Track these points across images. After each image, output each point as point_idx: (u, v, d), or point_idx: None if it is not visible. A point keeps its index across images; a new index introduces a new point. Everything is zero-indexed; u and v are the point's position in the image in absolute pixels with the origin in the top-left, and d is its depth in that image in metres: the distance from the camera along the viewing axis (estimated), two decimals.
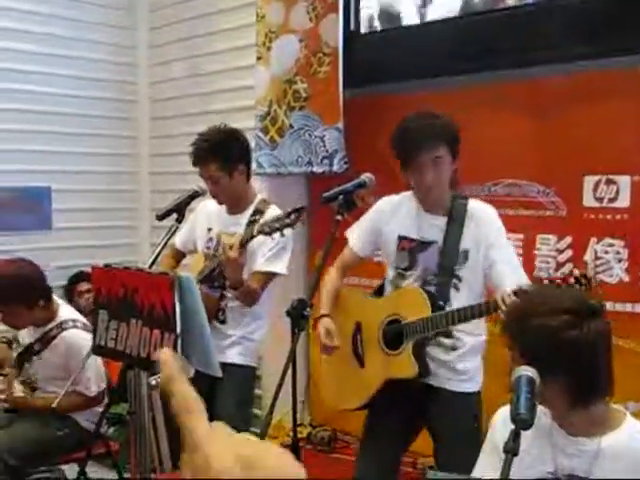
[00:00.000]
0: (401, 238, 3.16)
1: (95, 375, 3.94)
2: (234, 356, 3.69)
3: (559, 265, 4.38)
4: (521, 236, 4.57)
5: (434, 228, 3.09)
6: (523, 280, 2.96)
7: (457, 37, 4.72)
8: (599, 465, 2.00)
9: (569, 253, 4.35)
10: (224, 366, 3.56)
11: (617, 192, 4.17)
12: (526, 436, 1.81)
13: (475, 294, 3.04)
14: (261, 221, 3.46)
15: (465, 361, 3.08)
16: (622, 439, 2.02)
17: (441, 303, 2.99)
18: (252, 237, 3.37)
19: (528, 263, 4.52)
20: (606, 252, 4.19)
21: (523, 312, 2.04)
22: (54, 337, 4.00)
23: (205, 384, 3.53)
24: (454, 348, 3.06)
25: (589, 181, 4.26)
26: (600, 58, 4.13)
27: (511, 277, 2.93)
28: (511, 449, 1.73)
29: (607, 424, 2.04)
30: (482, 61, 4.55)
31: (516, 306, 2.17)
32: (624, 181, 4.14)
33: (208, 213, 3.84)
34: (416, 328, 2.96)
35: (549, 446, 2.03)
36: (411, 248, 3.13)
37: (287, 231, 3.25)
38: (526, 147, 4.53)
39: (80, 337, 3.95)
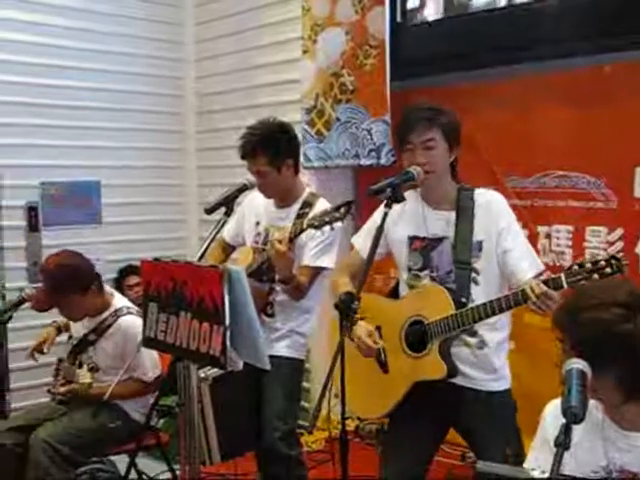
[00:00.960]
0: (412, 238, 3.11)
1: (150, 361, 4.00)
2: (282, 349, 3.69)
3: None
4: (571, 228, 4.53)
5: (443, 223, 3.04)
6: (539, 267, 2.94)
7: (502, 28, 4.67)
8: None
9: (620, 245, 4.30)
10: (272, 359, 3.57)
11: None
12: (577, 430, 1.78)
13: (494, 285, 2.98)
14: (310, 215, 3.45)
15: (494, 359, 3.03)
16: None
17: (463, 300, 2.93)
18: (301, 231, 3.37)
19: (578, 255, 4.47)
20: None
21: (575, 305, 2.01)
22: (109, 326, 4.08)
23: (254, 377, 3.55)
24: (480, 347, 3.00)
25: None
26: None
27: (527, 264, 2.90)
28: (562, 443, 1.71)
29: None
30: (528, 51, 4.51)
31: (567, 299, 2.14)
32: None
33: (256, 206, 3.84)
34: (441, 327, 2.90)
35: (600, 440, 2.01)
36: (423, 247, 3.07)
37: (336, 225, 3.24)
38: (576, 138, 4.48)
39: (136, 323, 4.00)
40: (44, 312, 4.22)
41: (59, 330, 4.28)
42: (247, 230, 3.86)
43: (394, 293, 3.27)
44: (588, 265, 2.52)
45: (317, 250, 3.54)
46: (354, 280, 3.16)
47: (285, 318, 3.70)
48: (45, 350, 4.15)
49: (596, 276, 2.47)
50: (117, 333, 4.06)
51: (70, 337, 4.25)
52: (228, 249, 3.99)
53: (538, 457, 2.06)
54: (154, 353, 4.02)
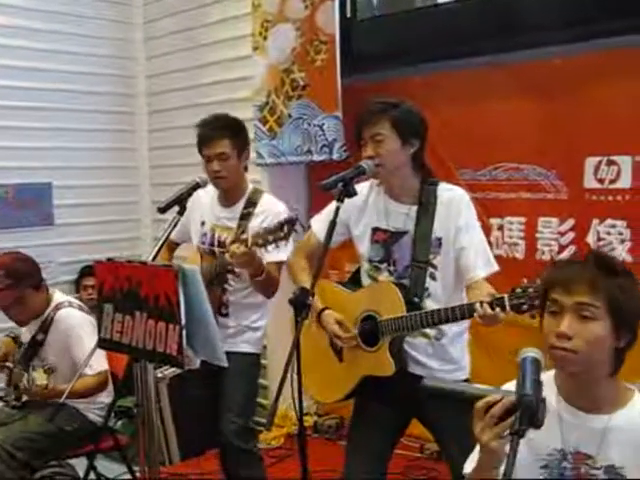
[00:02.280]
0: (374, 230, 3.13)
1: (95, 354, 3.91)
2: (238, 344, 3.71)
3: (561, 248, 4.38)
4: (523, 219, 4.58)
5: (404, 217, 3.05)
6: (493, 267, 2.96)
7: (453, 21, 4.71)
8: (607, 443, 2.00)
9: (571, 235, 4.35)
10: (228, 355, 3.58)
11: (618, 173, 4.17)
12: None
13: (451, 281, 3.00)
14: (253, 230, 3.41)
15: (452, 350, 3.06)
16: (631, 417, 2.01)
17: (416, 300, 2.95)
18: (252, 246, 3.33)
19: (530, 246, 4.53)
20: (609, 233, 4.19)
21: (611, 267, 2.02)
22: (52, 320, 4.05)
23: (212, 374, 3.54)
24: (438, 338, 3.02)
25: (590, 162, 4.26)
26: (600, 38, 4.11)
27: (481, 263, 2.93)
28: (517, 431, 1.73)
29: (617, 401, 2.03)
30: (480, 44, 4.54)
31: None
32: (625, 162, 4.14)
33: (201, 206, 3.83)
34: (391, 326, 2.94)
35: (557, 423, 2.03)
36: (385, 240, 3.09)
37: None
38: (527, 130, 4.52)
39: (73, 314, 4.05)
40: None
41: (15, 341, 4.23)
42: (193, 230, 3.86)
43: (355, 279, 3.28)
44: (530, 290, 2.56)
45: (275, 245, 3.54)
46: (310, 260, 3.22)
47: (239, 316, 3.73)
48: (9, 364, 4.09)
49: (537, 302, 2.48)
50: (57, 326, 4.04)
51: (20, 345, 4.19)
52: (174, 247, 4.02)
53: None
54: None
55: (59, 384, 3.85)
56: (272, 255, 3.49)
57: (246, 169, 3.82)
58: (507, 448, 1.74)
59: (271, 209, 3.65)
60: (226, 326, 3.69)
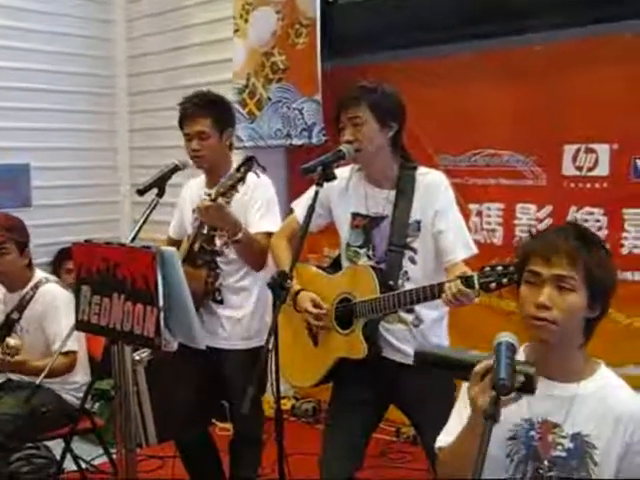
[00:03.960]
0: (354, 215, 3.13)
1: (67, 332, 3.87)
2: (235, 342, 3.65)
3: (531, 233, 4.39)
4: (501, 205, 4.61)
5: (384, 202, 3.06)
6: (471, 250, 2.97)
7: (435, 6, 4.70)
8: (574, 411, 2.03)
9: (549, 222, 4.38)
10: (229, 353, 3.59)
11: (596, 161, 4.20)
12: None
13: (431, 264, 3.01)
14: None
15: (431, 336, 3.06)
16: (599, 386, 2.05)
17: (391, 283, 2.96)
18: (214, 199, 3.30)
19: (508, 232, 4.56)
20: (586, 220, 4.22)
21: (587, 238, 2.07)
22: (31, 298, 4.04)
23: (205, 361, 3.55)
24: (416, 324, 3.03)
25: (569, 150, 4.30)
26: (581, 26, 4.13)
27: (459, 246, 2.94)
28: (492, 415, 1.75)
29: (584, 371, 2.07)
30: (459, 30, 4.55)
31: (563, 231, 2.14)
32: (603, 149, 4.17)
33: (191, 194, 3.81)
34: (365, 309, 2.95)
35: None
36: (364, 225, 3.10)
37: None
38: (506, 117, 4.55)
39: (55, 289, 4.05)
40: None
41: None
42: (187, 220, 3.82)
43: (336, 264, 3.29)
44: (499, 268, 2.57)
45: (260, 214, 3.53)
46: (292, 244, 3.22)
47: (233, 304, 3.65)
48: None
49: (505, 280, 2.52)
50: (35, 303, 4.03)
51: None
52: (175, 245, 3.94)
53: (462, 421, 2.08)
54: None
55: (31, 360, 3.85)
56: (257, 225, 3.50)
57: (231, 148, 3.76)
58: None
59: (254, 184, 3.62)
60: (222, 316, 3.65)
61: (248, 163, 3.30)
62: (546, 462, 2.05)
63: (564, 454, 2.03)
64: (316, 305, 3.08)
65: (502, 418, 1.78)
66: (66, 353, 3.91)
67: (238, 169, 3.30)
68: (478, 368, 1.90)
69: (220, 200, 3.29)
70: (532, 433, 2.07)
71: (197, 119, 3.59)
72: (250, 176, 3.47)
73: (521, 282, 2.07)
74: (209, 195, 3.32)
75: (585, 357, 2.10)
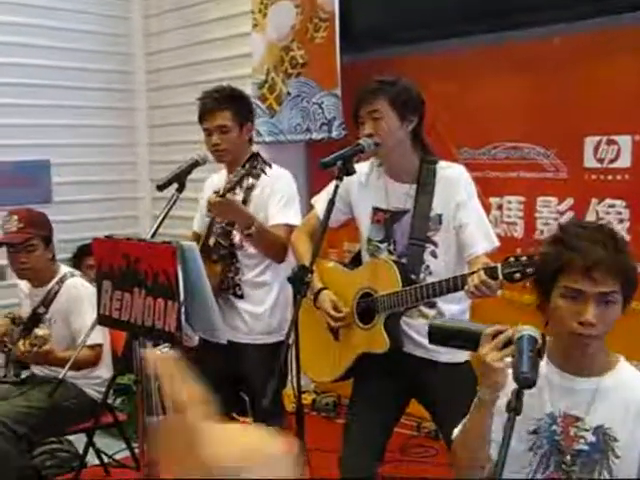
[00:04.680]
0: (375, 210, 3.12)
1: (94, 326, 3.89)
2: (259, 337, 3.64)
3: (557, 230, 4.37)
4: (522, 199, 4.58)
5: (404, 197, 3.04)
6: (493, 243, 2.96)
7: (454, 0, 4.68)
8: (596, 404, 2.04)
9: (570, 215, 4.35)
10: (249, 347, 3.59)
11: (618, 152, 4.16)
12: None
13: (453, 258, 3.00)
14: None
15: None
16: (619, 379, 2.06)
17: (413, 277, 2.95)
18: (224, 194, 3.32)
19: (529, 226, 4.53)
20: (607, 213, 4.19)
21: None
22: (56, 293, 4.07)
23: (227, 357, 3.55)
24: (436, 319, 3.04)
25: (590, 142, 4.26)
26: (600, 16, 4.10)
27: (481, 239, 2.93)
28: (515, 408, 1.75)
29: (605, 366, 2.08)
30: (482, 22, 4.51)
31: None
32: (625, 141, 4.13)
33: (212, 188, 3.81)
34: (387, 302, 2.94)
35: (546, 387, 2.05)
36: (385, 220, 3.09)
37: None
38: (526, 109, 4.52)
39: (79, 283, 4.08)
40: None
41: (14, 321, 4.22)
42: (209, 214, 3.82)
43: (357, 259, 3.29)
44: (524, 258, 2.55)
45: (280, 207, 3.53)
46: (312, 239, 3.20)
47: (254, 298, 3.65)
48: (9, 345, 4.09)
49: (530, 270, 2.50)
50: (60, 298, 4.06)
51: (19, 324, 4.18)
52: (198, 238, 3.97)
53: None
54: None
55: (58, 351, 3.88)
56: (277, 217, 3.51)
57: (251, 142, 3.77)
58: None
59: (276, 177, 3.60)
60: (242, 311, 3.65)
61: (252, 159, 3.33)
62: (569, 456, 2.05)
63: (586, 447, 2.04)
64: (335, 308, 3.08)
65: (524, 413, 1.78)
66: (92, 346, 3.94)
67: (243, 165, 3.34)
68: (489, 330, 1.96)
69: (229, 195, 3.29)
70: (554, 427, 2.07)
71: (217, 113, 3.60)
72: (272, 169, 3.48)
73: (551, 289, 2.04)
74: (217, 192, 3.32)
75: (606, 352, 2.10)
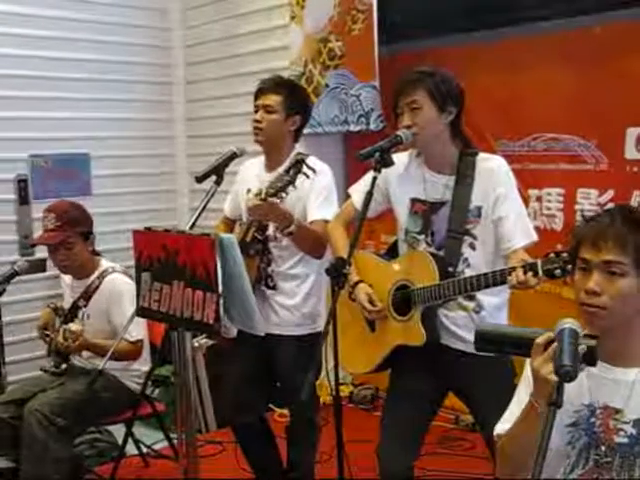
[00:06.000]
0: (413, 201, 3.11)
1: (135, 321, 3.91)
2: (290, 328, 3.66)
3: (584, 217, 4.32)
4: (562, 190, 4.54)
5: (443, 188, 3.03)
6: (532, 238, 2.94)
7: None
8: (634, 397, 2.00)
9: (610, 207, 4.30)
10: (281, 338, 3.60)
11: None
12: None
13: (491, 250, 2.98)
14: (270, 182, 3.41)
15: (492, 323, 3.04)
16: None
17: (450, 269, 2.94)
18: (264, 199, 3.29)
19: (569, 218, 4.49)
20: None
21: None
22: (97, 288, 4.11)
23: (263, 349, 3.57)
24: (477, 311, 2.99)
25: (631, 133, 4.20)
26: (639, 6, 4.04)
27: (519, 233, 2.91)
28: (555, 401, 1.73)
29: None
30: (522, 12, 4.47)
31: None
32: None
33: (248, 175, 3.82)
34: (424, 295, 2.93)
35: (585, 378, 2.03)
36: (424, 211, 3.08)
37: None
38: (566, 100, 4.47)
39: (120, 279, 4.11)
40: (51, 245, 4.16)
41: (56, 312, 4.27)
42: (241, 200, 3.84)
43: (393, 250, 3.28)
44: (564, 255, 2.53)
45: (319, 202, 3.53)
46: (348, 230, 3.24)
47: (287, 290, 3.66)
48: (51, 335, 4.13)
49: (570, 267, 2.48)
50: (101, 292, 4.10)
51: (60, 315, 4.23)
52: (230, 224, 3.98)
53: (514, 411, 2.08)
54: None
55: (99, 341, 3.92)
56: (316, 212, 3.51)
57: (297, 139, 3.77)
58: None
59: (317, 171, 3.59)
60: (274, 302, 3.66)
61: (297, 165, 3.30)
62: (608, 449, 2.02)
63: (626, 440, 2.01)
64: (371, 301, 3.07)
65: (566, 402, 1.76)
66: (134, 342, 3.98)
67: (288, 171, 3.32)
68: (540, 340, 1.90)
69: (270, 200, 3.29)
70: (593, 419, 2.05)
71: (269, 95, 3.66)
72: (313, 162, 3.47)
73: (575, 269, 2.06)
74: (258, 194, 3.32)
75: None
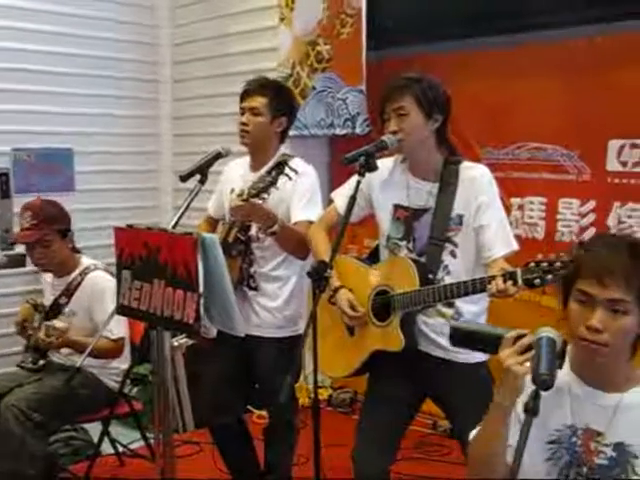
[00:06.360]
0: (396, 207, 3.12)
1: (117, 320, 3.84)
2: (271, 330, 3.66)
3: (581, 229, 4.36)
4: (544, 200, 4.56)
5: (426, 195, 3.04)
6: (512, 247, 2.95)
7: None
8: (617, 420, 2.01)
9: (592, 217, 4.33)
10: (261, 340, 3.60)
11: None
12: (546, 393, 1.82)
13: (472, 259, 2.99)
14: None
15: None
16: None
17: (430, 276, 2.95)
18: (246, 200, 3.30)
19: (550, 227, 4.51)
20: (629, 217, 4.17)
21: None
22: (78, 285, 4.10)
23: (243, 349, 3.57)
24: (455, 319, 2.99)
25: (613, 145, 4.23)
26: (628, 20, 4.07)
27: (499, 242, 2.92)
28: (532, 409, 1.74)
29: (629, 381, 2.05)
30: (509, 22, 4.49)
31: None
32: None
33: (232, 175, 3.82)
34: (404, 301, 2.94)
35: (568, 399, 2.04)
36: (406, 217, 3.08)
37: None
38: (550, 111, 4.49)
39: (102, 277, 4.11)
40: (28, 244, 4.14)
41: (36, 308, 4.24)
42: (225, 200, 3.84)
43: (374, 255, 3.28)
44: (544, 264, 2.54)
45: (303, 204, 3.54)
46: (330, 234, 3.24)
47: (268, 291, 3.66)
48: (30, 331, 4.11)
49: (550, 277, 2.49)
50: (83, 290, 4.08)
51: (40, 311, 4.20)
52: (214, 223, 3.98)
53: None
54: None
55: (80, 338, 3.91)
56: (300, 214, 3.51)
57: (283, 140, 3.78)
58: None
59: (301, 172, 3.57)
60: (256, 304, 3.66)
61: (280, 167, 3.32)
62: (589, 470, 2.03)
63: (606, 462, 2.01)
64: (352, 307, 3.08)
65: (544, 422, 1.78)
66: (116, 340, 3.97)
67: (270, 172, 3.33)
68: (510, 334, 1.95)
69: (252, 200, 3.30)
70: (574, 439, 2.05)
71: (255, 97, 3.66)
72: (297, 163, 3.48)
73: (570, 294, 2.02)
74: (240, 195, 3.32)
75: (630, 368, 2.07)
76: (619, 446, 2.00)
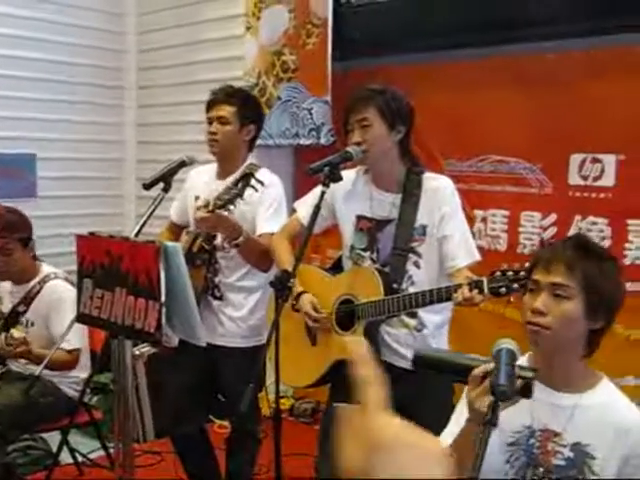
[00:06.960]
0: (359, 218, 3.13)
1: (75, 330, 3.81)
2: (235, 339, 3.64)
3: (543, 242, 4.40)
4: (506, 212, 4.60)
5: (389, 206, 3.06)
6: (475, 257, 2.98)
7: (446, 12, 4.69)
8: (575, 421, 2.04)
9: (553, 230, 4.37)
10: (225, 349, 3.58)
11: (602, 171, 4.19)
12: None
13: (435, 269, 3.01)
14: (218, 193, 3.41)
15: (432, 342, 3.05)
16: (600, 398, 2.07)
17: (395, 286, 2.96)
18: (212, 211, 3.28)
19: (512, 239, 4.55)
20: (590, 230, 4.21)
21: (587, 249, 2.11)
22: (37, 293, 4.04)
23: (206, 359, 3.54)
24: (419, 329, 3.02)
25: (575, 159, 4.28)
26: (593, 36, 4.12)
27: (462, 252, 2.95)
28: (490, 421, 1.75)
29: (586, 383, 2.09)
30: (471, 36, 4.53)
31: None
32: (609, 160, 4.16)
33: (197, 182, 3.81)
34: (368, 310, 2.94)
35: (528, 401, 2.06)
36: (369, 228, 3.10)
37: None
38: (513, 124, 4.53)
39: (60, 288, 4.04)
40: None
41: None
42: (189, 206, 3.82)
43: (338, 265, 3.29)
44: (510, 273, 2.57)
45: (268, 215, 3.53)
46: (293, 243, 3.24)
47: (233, 301, 3.65)
48: None
49: (516, 285, 2.52)
50: (42, 298, 4.03)
51: (0, 312, 4.16)
52: (177, 230, 3.93)
53: (453, 430, 2.10)
54: (80, 325, 3.97)
55: (36, 349, 3.85)
56: (265, 225, 3.50)
57: (251, 148, 3.78)
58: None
59: (267, 184, 3.59)
60: (221, 314, 3.65)
61: (246, 178, 3.29)
62: (546, 471, 2.05)
63: (563, 463, 2.04)
64: (315, 309, 3.08)
65: (503, 424, 1.79)
66: (70, 351, 3.92)
67: (236, 183, 3.30)
68: (477, 371, 1.93)
69: (218, 212, 3.28)
70: (532, 441, 2.08)
71: (222, 106, 3.64)
72: (263, 174, 3.47)
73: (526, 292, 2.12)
74: (206, 206, 3.30)
75: (587, 369, 2.12)
76: (576, 446, 2.04)
